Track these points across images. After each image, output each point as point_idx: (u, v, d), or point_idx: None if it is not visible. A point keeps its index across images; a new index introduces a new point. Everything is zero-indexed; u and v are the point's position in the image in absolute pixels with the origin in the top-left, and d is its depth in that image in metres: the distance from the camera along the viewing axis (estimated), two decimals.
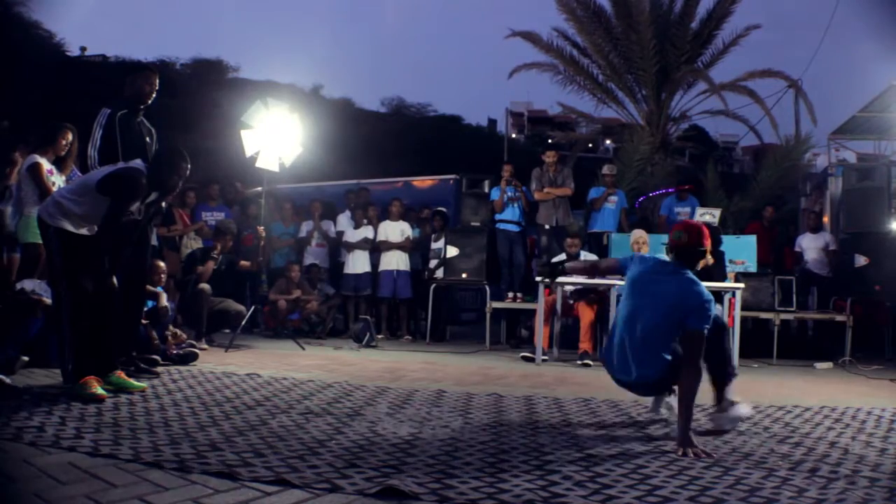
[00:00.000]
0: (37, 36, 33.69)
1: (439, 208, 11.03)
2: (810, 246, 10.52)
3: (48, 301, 5.49)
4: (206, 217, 10.09)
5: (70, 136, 6.61)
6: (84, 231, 4.71)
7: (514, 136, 54.95)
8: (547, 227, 9.96)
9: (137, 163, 4.78)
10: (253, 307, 8.54)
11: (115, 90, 5.81)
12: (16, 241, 6.47)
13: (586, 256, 9.01)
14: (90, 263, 4.65)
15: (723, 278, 8.05)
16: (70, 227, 4.64)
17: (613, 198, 10.47)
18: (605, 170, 10.82)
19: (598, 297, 8.31)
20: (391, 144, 33.68)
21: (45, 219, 4.67)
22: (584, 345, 8.02)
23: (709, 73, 14.84)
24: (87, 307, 4.60)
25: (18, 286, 5.70)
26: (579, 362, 7.60)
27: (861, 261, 9.66)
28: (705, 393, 4.07)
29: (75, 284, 4.58)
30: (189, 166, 5.00)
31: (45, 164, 6.34)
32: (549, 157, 10.19)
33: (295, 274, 9.92)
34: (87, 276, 4.62)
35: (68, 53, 38.52)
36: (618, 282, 7.86)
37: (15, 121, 6.54)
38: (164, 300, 6.79)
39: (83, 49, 46.38)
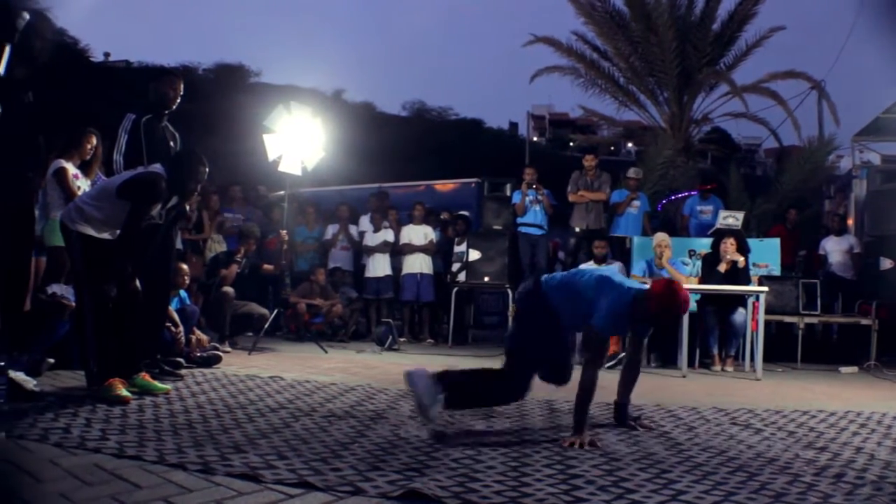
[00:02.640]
0: (62, 42, 33.99)
1: (461, 212, 11.03)
2: (835, 249, 10.42)
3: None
4: (227, 217, 10.17)
5: (94, 141, 6.66)
6: (106, 235, 4.75)
7: (535, 139, 54.91)
8: (577, 230, 9.96)
9: (157, 167, 4.81)
10: (276, 310, 8.56)
11: (140, 95, 5.85)
12: (42, 244, 6.52)
13: (611, 261, 9.01)
14: (112, 267, 4.69)
15: (746, 282, 7.99)
16: (92, 232, 4.68)
17: (637, 202, 10.42)
18: (631, 173, 10.75)
19: None
20: (413, 148, 33.68)
21: (66, 223, 4.70)
22: (613, 346, 7.97)
23: (732, 75, 14.78)
24: (110, 310, 4.64)
25: (48, 290, 5.75)
26: (606, 364, 7.48)
27: (886, 264, 9.57)
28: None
29: (97, 288, 4.62)
30: (207, 170, 5.03)
31: (71, 169, 6.39)
32: (589, 160, 10.20)
33: (321, 278, 9.96)
34: (109, 279, 4.65)
35: (92, 59, 38.85)
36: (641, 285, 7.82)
37: (44, 121, 6.61)
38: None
39: (107, 55, 46.81)
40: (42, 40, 4.32)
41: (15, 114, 4.32)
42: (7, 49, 3.84)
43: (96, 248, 4.68)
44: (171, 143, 5.65)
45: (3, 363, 3.88)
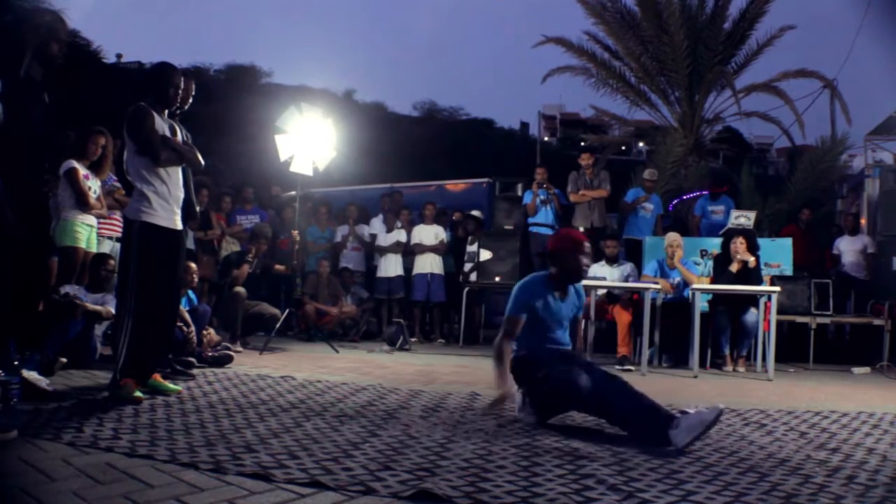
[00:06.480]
0: (74, 44, 34.14)
1: (472, 212, 11.03)
2: (847, 249, 10.38)
3: (89, 306, 5.59)
4: (240, 220, 10.19)
5: (103, 141, 6.70)
6: (166, 222, 4.69)
7: (546, 139, 54.85)
8: (582, 229, 9.95)
9: None
10: (287, 310, 8.59)
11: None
12: (54, 245, 6.55)
13: (623, 262, 9.02)
14: (167, 268, 4.71)
15: (758, 281, 7.96)
16: (154, 218, 4.62)
17: (649, 205, 10.35)
18: (646, 175, 10.70)
19: (634, 301, 8.24)
20: (424, 148, 33.74)
21: (129, 216, 4.69)
22: (623, 349, 7.96)
23: (743, 74, 14.83)
24: (150, 316, 4.62)
25: (62, 290, 5.78)
26: (618, 367, 7.45)
27: None
28: None
29: (147, 290, 4.60)
30: (178, 71, 4.94)
31: (81, 169, 6.44)
32: (585, 159, 10.21)
33: (323, 269, 9.96)
34: (161, 280, 4.66)
35: (105, 61, 38.98)
36: (652, 285, 7.81)
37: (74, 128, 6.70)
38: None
39: (119, 56, 46.98)
40: (59, 42, 4.34)
41: (35, 114, 4.34)
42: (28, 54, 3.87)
43: (157, 241, 4.64)
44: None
45: (16, 362, 3.90)
